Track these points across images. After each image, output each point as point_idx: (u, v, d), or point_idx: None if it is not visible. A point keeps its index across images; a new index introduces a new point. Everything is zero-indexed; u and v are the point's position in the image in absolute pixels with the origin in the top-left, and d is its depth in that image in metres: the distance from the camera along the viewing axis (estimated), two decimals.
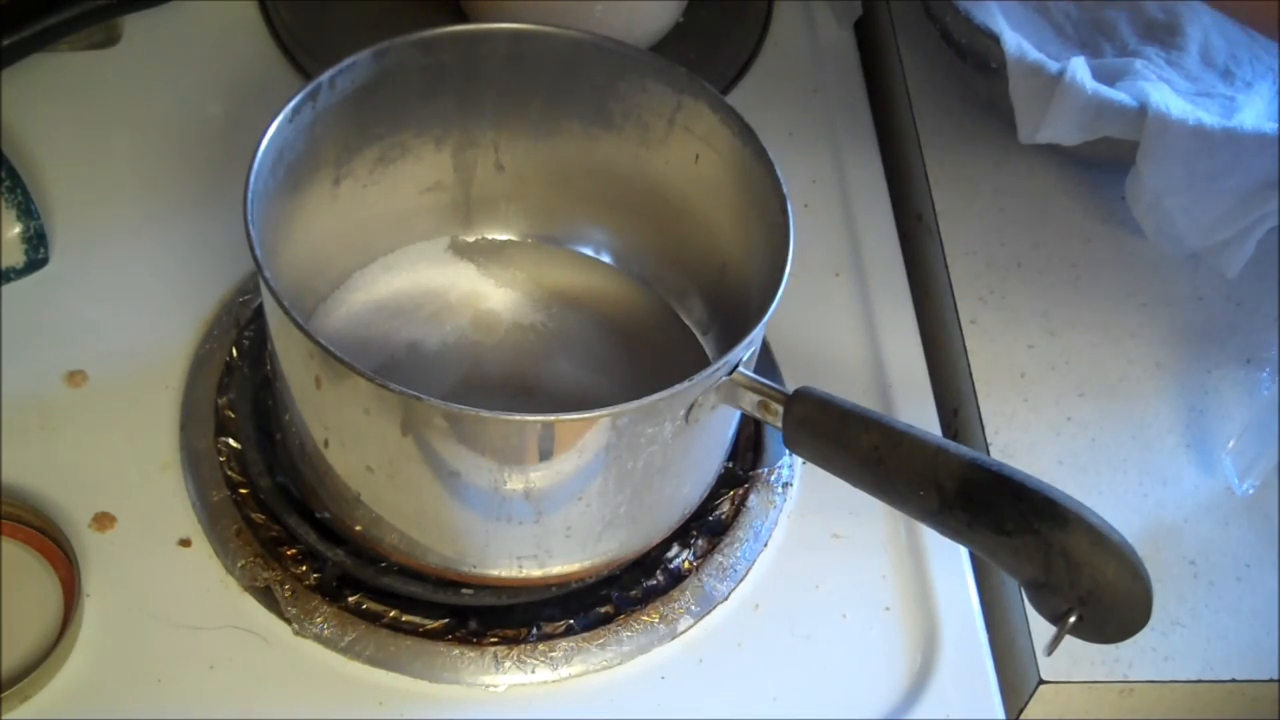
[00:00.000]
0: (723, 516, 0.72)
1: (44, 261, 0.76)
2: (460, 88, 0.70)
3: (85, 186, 0.80)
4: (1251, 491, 0.76)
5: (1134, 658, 0.69)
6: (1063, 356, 0.81)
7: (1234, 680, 0.70)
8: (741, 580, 0.70)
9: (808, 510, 0.73)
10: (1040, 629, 0.69)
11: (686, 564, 0.70)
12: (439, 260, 0.76)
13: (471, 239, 0.77)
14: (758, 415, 0.61)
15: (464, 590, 0.68)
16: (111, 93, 0.86)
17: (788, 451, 0.70)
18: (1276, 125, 0.80)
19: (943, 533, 0.58)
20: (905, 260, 0.85)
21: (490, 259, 0.77)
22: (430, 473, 0.60)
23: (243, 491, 0.69)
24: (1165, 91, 0.80)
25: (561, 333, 0.75)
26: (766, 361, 0.77)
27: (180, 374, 0.73)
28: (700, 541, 0.71)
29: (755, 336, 0.60)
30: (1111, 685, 0.69)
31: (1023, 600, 0.70)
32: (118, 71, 0.87)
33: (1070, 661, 0.69)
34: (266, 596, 0.66)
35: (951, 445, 0.58)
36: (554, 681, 0.66)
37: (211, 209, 0.78)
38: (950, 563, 0.72)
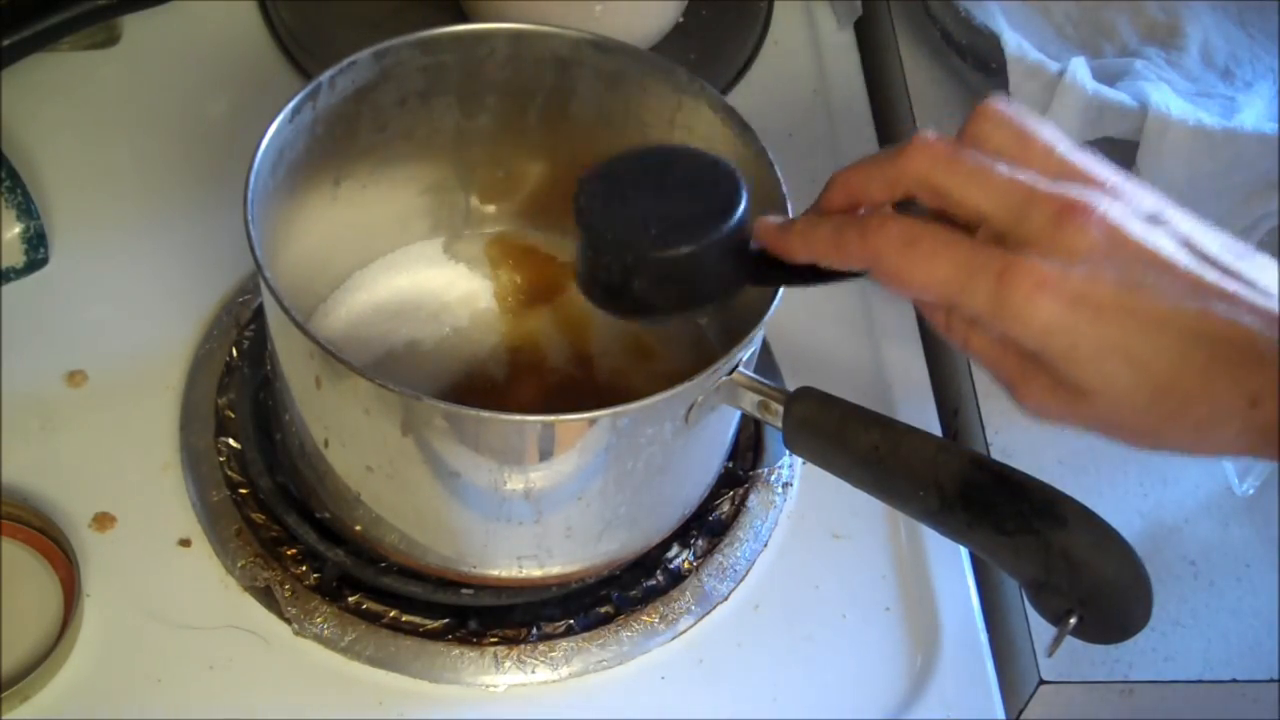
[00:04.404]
0: (723, 516, 0.72)
1: (44, 261, 0.76)
2: (460, 88, 0.70)
3: (85, 186, 0.80)
4: (1251, 491, 0.76)
5: (1134, 658, 0.69)
6: None
7: (1234, 680, 0.70)
8: (741, 580, 0.70)
9: (808, 510, 0.73)
10: (1040, 629, 0.69)
11: (686, 564, 0.70)
12: (438, 260, 0.76)
13: (471, 239, 0.77)
14: (758, 415, 0.61)
15: (464, 590, 0.68)
16: (111, 93, 0.86)
17: (788, 451, 0.69)
18: (1276, 125, 0.80)
19: (943, 533, 0.58)
20: None
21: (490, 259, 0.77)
22: (430, 473, 0.60)
23: (243, 491, 0.69)
24: (1165, 91, 0.80)
25: (561, 332, 0.75)
26: (766, 361, 0.77)
27: (180, 374, 0.73)
28: (700, 541, 0.71)
29: (755, 336, 0.60)
30: (1112, 685, 0.69)
31: (1023, 600, 0.70)
32: (118, 71, 0.86)
33: (1070, 661, 0.69)
34: (266, 596, 0.66)
35: (951, 445, 0.58)
36: (554, 681, 0.66)
37: (212, 209, 0.78)
38: (950, 563, 0.72)
